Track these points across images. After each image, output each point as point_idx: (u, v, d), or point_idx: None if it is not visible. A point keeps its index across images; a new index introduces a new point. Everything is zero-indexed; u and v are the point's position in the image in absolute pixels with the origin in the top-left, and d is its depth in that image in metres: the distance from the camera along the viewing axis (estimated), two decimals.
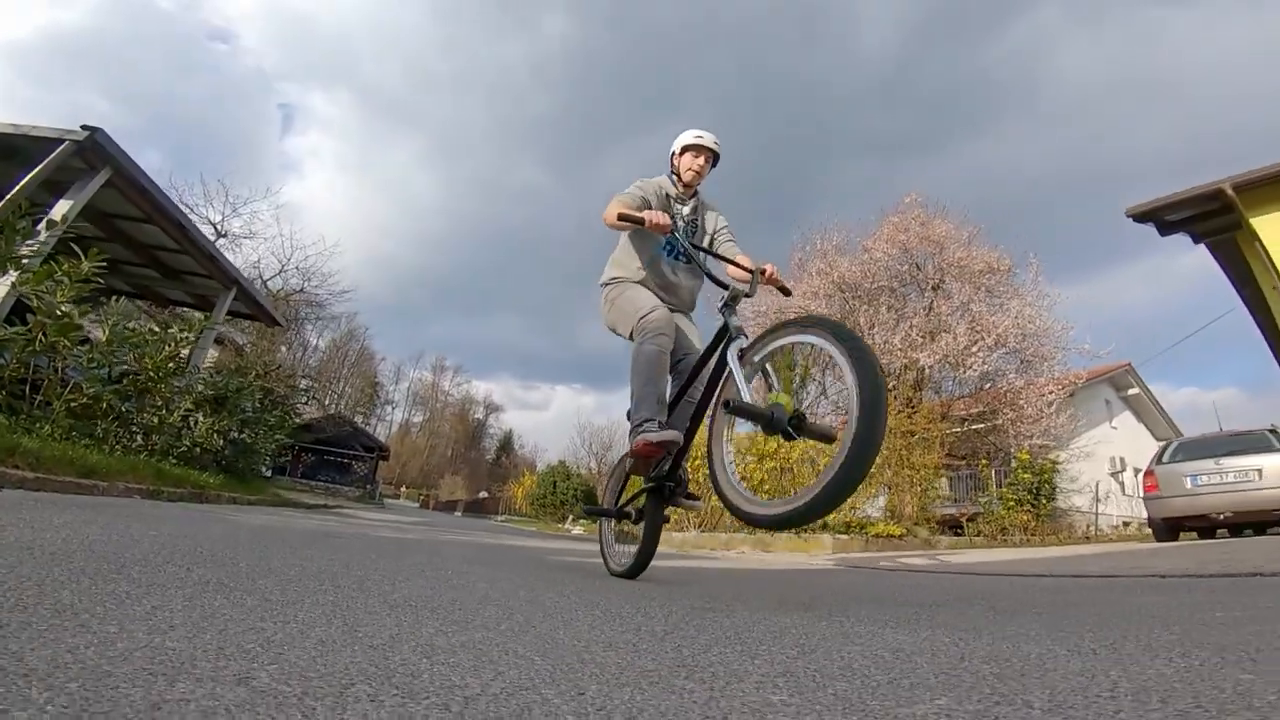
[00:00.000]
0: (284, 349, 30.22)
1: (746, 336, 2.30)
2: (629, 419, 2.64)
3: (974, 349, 14.17)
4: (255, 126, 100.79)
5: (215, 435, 7.47)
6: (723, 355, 2.37)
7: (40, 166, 7.10)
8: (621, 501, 3.02)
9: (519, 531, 14.37)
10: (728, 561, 6.01)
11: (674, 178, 3.04)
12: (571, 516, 23.10)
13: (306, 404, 26.93)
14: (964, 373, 14.78)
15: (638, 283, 2.91)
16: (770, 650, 1.23)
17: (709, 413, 2.48)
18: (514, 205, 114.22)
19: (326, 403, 42.39)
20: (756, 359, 2.22)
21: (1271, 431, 9.57)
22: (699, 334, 3.02)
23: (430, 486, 67.28)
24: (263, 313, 12.30)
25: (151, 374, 6.01)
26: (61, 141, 7.28)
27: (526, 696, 0.80)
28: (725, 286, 2.58)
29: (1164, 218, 12.49)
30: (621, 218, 2.63)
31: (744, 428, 2.42)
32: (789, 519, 1.80)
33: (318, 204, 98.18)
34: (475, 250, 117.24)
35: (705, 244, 3.06)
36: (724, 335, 2.39)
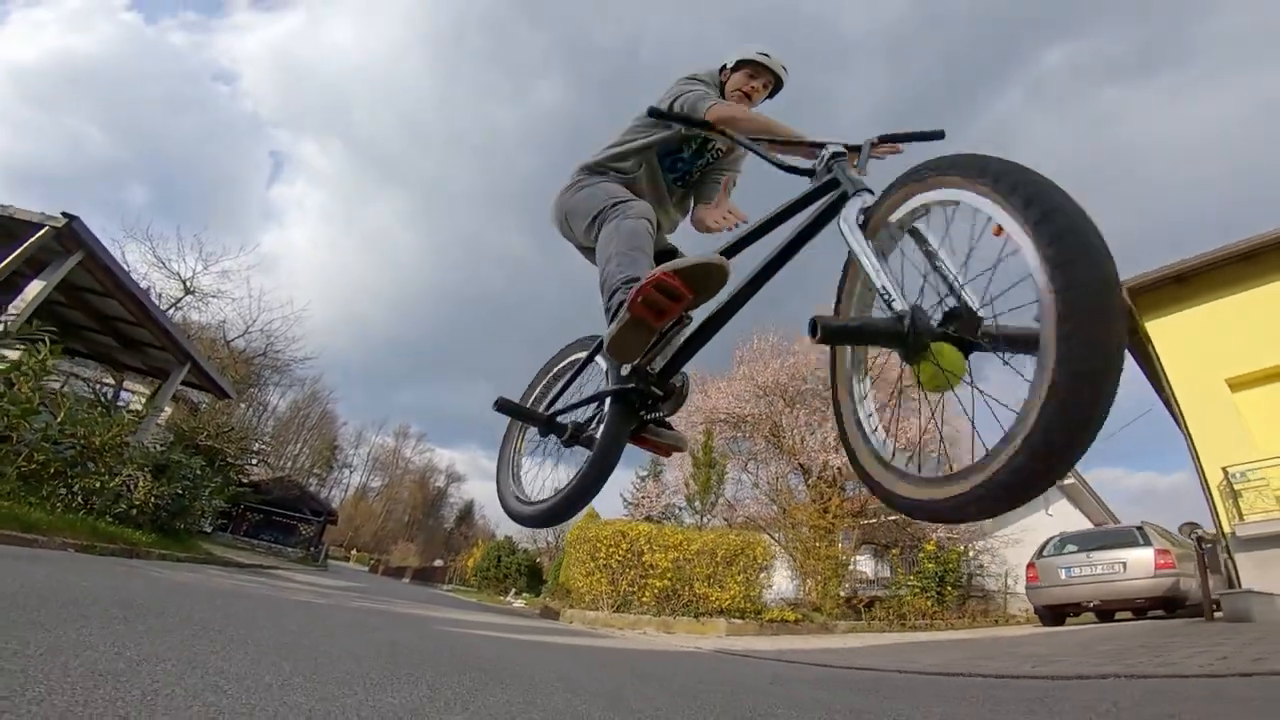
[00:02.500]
0: (243, 406, 30.65)
1: (873, 193, 1.39)
2: (603, 293, 1.76)
3: None
4: (244, 171, 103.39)
5: (153, 498, 8.27)
6: (827, 225, 1.49)
7: (20, 249, 8.14)
8: (559, 405, 2.10)
9: (456, 602, 14.92)
10: (622, 641, 6.88)
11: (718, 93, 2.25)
12: (514, 590, 23.61)
13: (256, 466, 27.28)
14: None
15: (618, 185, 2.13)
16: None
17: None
18: (494, 269, 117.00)
19: (280, 464, 42.29)
20: (896, 219, 1.30)
21: (1139, 528, 10.87)
22: None
23: (383, 552, 66.21)
24: (215, 386, 13.15)
25: (98, 448, 6.92)
26: (42, 226, 8.36)
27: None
28: (807, 171, 1.64)
29: None
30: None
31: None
32: (965, 506, 0.98)
33: (296, 256, 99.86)
34: (451, 314, 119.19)
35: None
36: (828, 192, 1.50)
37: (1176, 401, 11.85)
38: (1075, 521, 23.63)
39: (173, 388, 11.38)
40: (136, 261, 22.38)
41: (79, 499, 7.07)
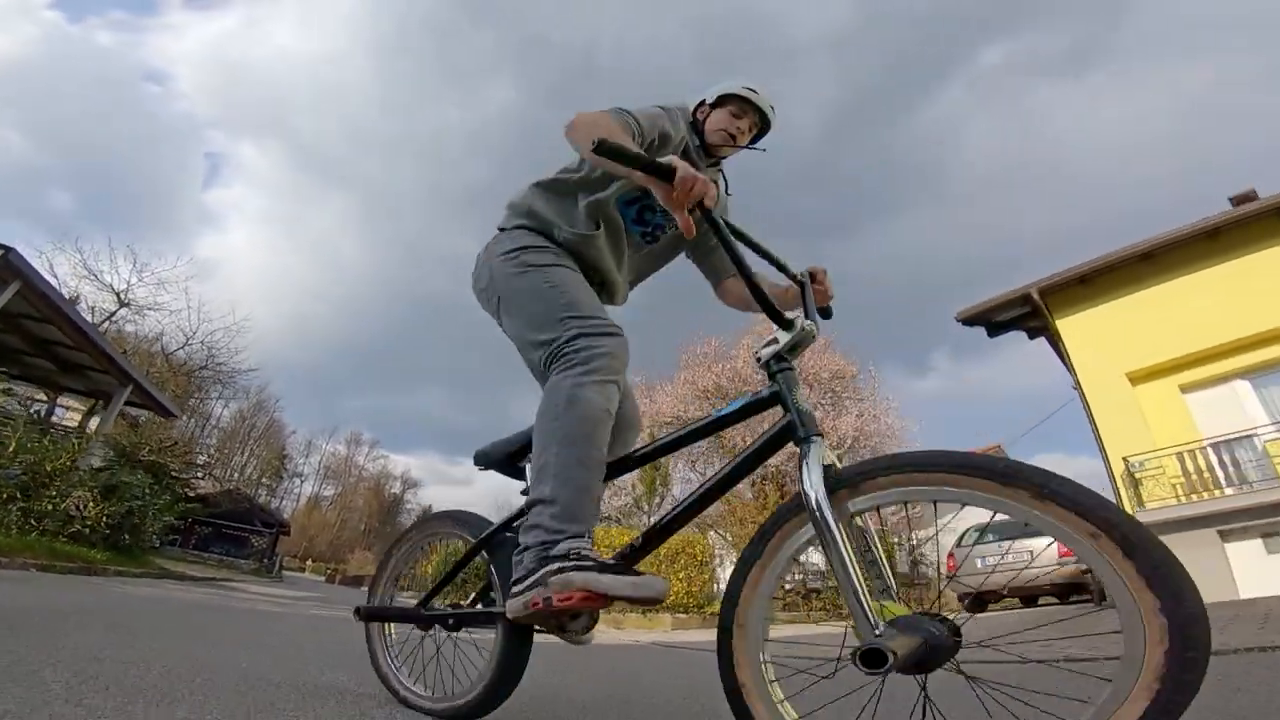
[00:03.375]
0: (185, 418, 30.20)
1: (822, 437, 1.26)
2: (527, 513, 1.44)
3: None
4: (178, 174, 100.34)
5: (104, 517, 8.55)
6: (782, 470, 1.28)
7: None
8: (444, 599, 1.87)
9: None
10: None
11: (693, 134, 1.95)
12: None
13: (202, 479, 27.02)
14: None
15: (570, 257, 1.79)
16: None
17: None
18: (443, 273, 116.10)
19: (226, 476, 41.64)
20: (854, 507, 1.17)
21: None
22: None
23: (339, 561, 65.46)
24: (158, 406, 13.28)
25: (49, 473, 7.23)
26: None
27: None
28: (787, 324, 1.40)
29: (992, 319, 15.24)
30: (619, 153, 1.29)
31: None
32: None
33: (237, 260, 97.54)
34: (400, 318, 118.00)
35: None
36: (789, 433, 1.31)
37: (1083, 394, 12.97)
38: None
39: (115, 410, 11.55)
40: (66, 275, 22.03)
41: (32, 521, 7.33)
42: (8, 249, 8.46)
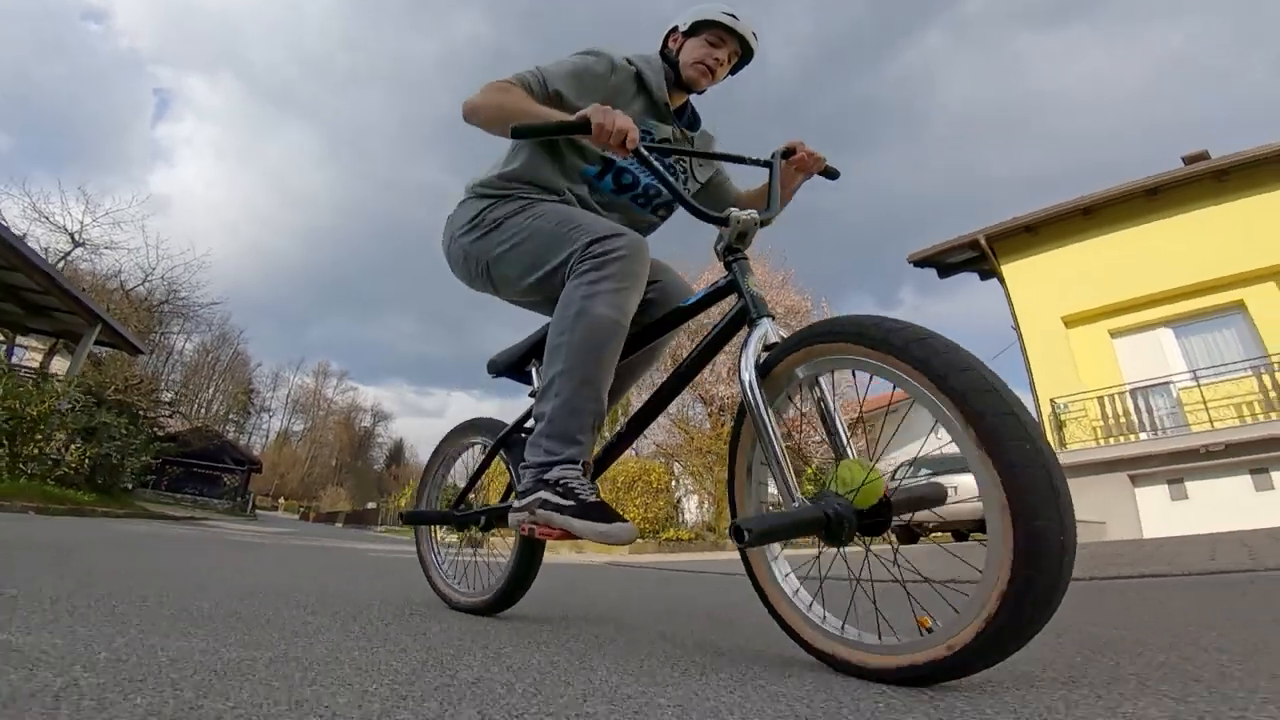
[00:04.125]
0: (149, 353, 30.17)
1: (774, 318, 1.33)
2: (532, 434, 1.51)
3: None
4: (125, 112, 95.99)
5: (86, 460, 9.05)
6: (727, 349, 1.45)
7: None
8: (469, 503, 2.01)
9: (389, 540, 16.08)
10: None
11: (666, 69, 1.79)
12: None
13: (170, 417, 27.30)
14: None
15: (555, 197, 1.71)
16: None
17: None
18: (413, 205, 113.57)
19: (193, 413, 41.75)
20: (803, 373, 1.23)
21: None
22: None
23: (312, 498, 66.37)
24: (126, 344, 13.54)
25: (35, 418, 7.68)
26: None
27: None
28: (722, 221, 1.42)
29: (943, 262, 15.98)
30: (535, 131, 1.43)
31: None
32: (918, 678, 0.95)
33: (192, 195, 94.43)
34: (368, 249, 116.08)
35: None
36: (743, 316, 1.37)
37: (1021, 335, 13.87)
38: None
39: (85, 351, 11.84)
40: (15, 217, 21.67)
41: (20, 466, 7.82)
42: None
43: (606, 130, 1.36)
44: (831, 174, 1.85)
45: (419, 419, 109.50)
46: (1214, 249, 11.86)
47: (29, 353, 18.87)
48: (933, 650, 0.93)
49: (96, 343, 13.19)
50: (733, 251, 1.42)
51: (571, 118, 1.40)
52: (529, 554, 1.77)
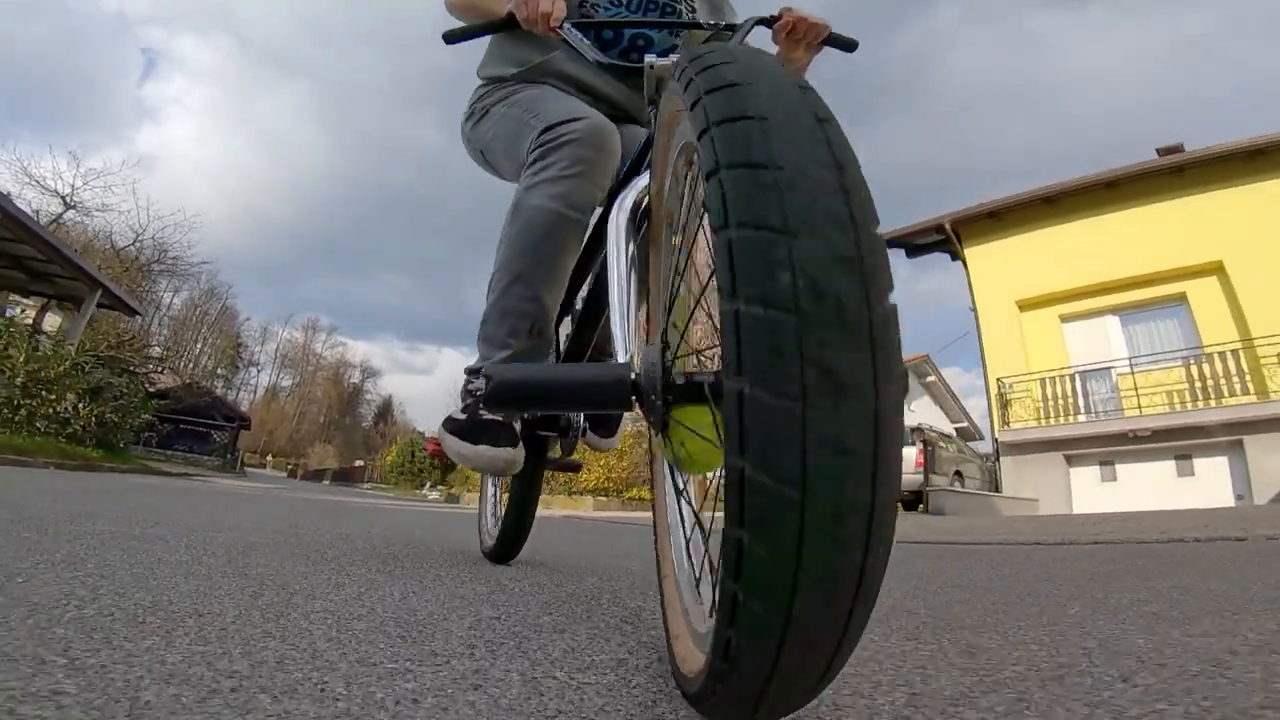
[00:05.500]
0: (144, 316, 30.90)
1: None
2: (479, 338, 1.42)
3: None
4: (111, 72, 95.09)
5: (92, 418, 9.99)
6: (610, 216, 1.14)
7: None
8: None
9: (374, 495, 17.15)
10: None
11: None
12: (430, 482, 25.83)
13: (160, 372, 28.16)
14: None
15: (544, 78, 1.61)
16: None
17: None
18: (405, 161, 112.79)
19: (182, 367, 42.60)
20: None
21: (915, 428, 13.47)
22: None
23: (299, 455, 67.47)
24: (124, 306, 14.36)
25: (50, 379, 8.58)
26: None
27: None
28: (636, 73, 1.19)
29: (911, 243, 16.83)
30: (465, 34, 1.44)
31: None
32: None
33: (184, 154, 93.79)
34: (360, 205, 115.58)
35: None
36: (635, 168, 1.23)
37: (978, 317, 14.78)
38: (938, 419, 27.17)
39: (87, 315, 12.68)
40: (6, 181, 22.25)
41: (38, 425, 8.73)
42: None
43: (530, 19, 1.31)
44: (845, 44, 1.54)
45: (408, 375, 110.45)
46: (1163, 242, 12.63)
47: (20, 311, 19.59)
48: None
49: (98, 305, 14.02)
50: (652, 103, 1.18)
51: (497, 20, 1.38)
52: (520, 486, 1.78)
